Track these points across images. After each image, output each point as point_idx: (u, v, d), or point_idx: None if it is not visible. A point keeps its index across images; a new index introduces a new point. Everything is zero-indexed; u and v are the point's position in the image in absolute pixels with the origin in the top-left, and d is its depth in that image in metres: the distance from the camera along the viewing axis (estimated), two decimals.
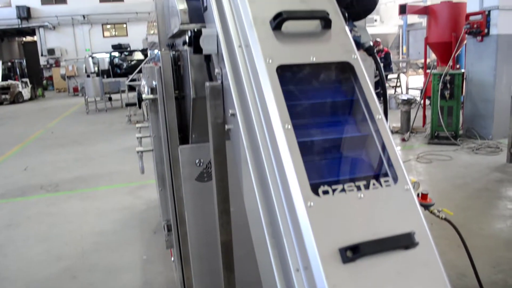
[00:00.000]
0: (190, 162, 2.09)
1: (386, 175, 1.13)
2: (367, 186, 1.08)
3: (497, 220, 4.53)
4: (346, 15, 1.54)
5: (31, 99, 22.50)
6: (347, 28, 1.34)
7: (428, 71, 9.16)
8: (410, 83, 13.77)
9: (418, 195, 2.70)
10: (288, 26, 1.26)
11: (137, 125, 3.65)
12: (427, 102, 9.30)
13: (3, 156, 8.85)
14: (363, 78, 1.25)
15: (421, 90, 9.49)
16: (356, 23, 1.65)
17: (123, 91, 14.78)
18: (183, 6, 1.74)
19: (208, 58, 1.58)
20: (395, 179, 1.12)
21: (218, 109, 1.47)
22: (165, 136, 2.20)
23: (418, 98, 9.21)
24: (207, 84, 1.44)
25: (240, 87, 1.29)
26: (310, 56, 1.23)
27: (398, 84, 15.07)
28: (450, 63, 8.10)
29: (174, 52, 2.21)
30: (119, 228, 4.60)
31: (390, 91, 14.72)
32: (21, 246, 4.34)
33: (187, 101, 2.16)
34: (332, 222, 1.02)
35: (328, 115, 1.25)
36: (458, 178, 5.87)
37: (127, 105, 10.67)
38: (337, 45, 1.28)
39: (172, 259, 2.68)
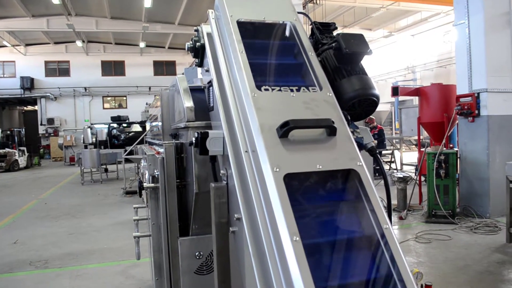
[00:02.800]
0: (189, 255, 2.05)
1: (395, 286, 1.10)
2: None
3: None
4: (349, 117, 1.60)
5: (26, 167, 22.48)
6: (351, 135, 1.38)
7: (422, 149, 9.32)
8: (404, 159, 13.97)
9: (422, 286, 2.64)
10: (294, 133, 1.30)
11: (134, 206, 3.61)
12: (422, 179, 9.35)
13: None
14: (368, 185, 1.27)
15: (416, 167, 9.59)
16: (357, 123, 1.71)
17: (120, 162, 14.82)
18: (189, 104, 1.80)
19: (213, 158, 1.61)
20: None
21: (223, 209, 1.47)
22: (165, 225, 2.18)
23: (413, 175, 9.28)
24: (213, 185, 1.46)
25: (246, 193, 1.30)
26: (317, 165, 1.25)
27: (392, 160, 15.26)
28: (444, 142, 8.26)
29: (177, 142, 2.24)
30: None
31: (385, 166, 14.86)
32: None
33: (188, 190, 2.16)
34: None
35: (335, 222, 1.25)
36: (459, 260, 5.75)
37: (127, 193, 10.68)
38: (342, 153, 1.31)
39: None
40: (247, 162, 1.32)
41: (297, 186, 1.23)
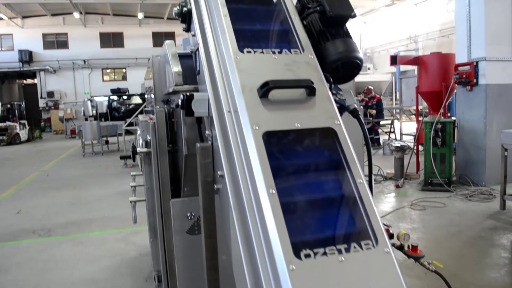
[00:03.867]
0: (181, 215, 2.13)
1: (367, 238, 1.17)
2: (348, 250, 1.13)
3: (491, 269, 4.51)
4: (331, 80, 1.64)
5: (28, 140, 22.60)
6: (330, 95, 1.43)
7: (420, 118, 9.35)
8: (404, 129, 14.00)
9: (408, 247, 2.73)
10: (275, 93, 1.35)
11: (132, 173, 3.69)
12: (420, 148, 9.43)
13: None
14: (345, 143, 1.32)
15: (414, 137, 9.65)
16: (341, 86, 1.75)
17: (120, 135, 14.91)
18: (177, 68, 1.84)
19: (199, 120, 1.66)
20: (376, 242, 1.16)
21: (208, 168, 1.53)
22: (158, 188, 2.25)
23: (412, 145, 9.35)
24: (198, 145, 1.51)
25: (228, 150, 1.36)
26: (295, 123, 1.31)
27: (392, 130, 15.31)
28: (441, 111, 8.29)
29: (168, 108, 2.29)
30: (110, 276, 4.54)
31: (384, 137, 14.92)
32: None
33: (179, 155, 2.22)
34: (314, 286, 1.05)
35: (311, 178, 1.32)
36: (452, 226, 5.88)
37: (122, 158, 10.77)
38: (320, 112, 1.36)
39: None
40: (230, 122, 1.37)
41: (275, 143, 1.29)
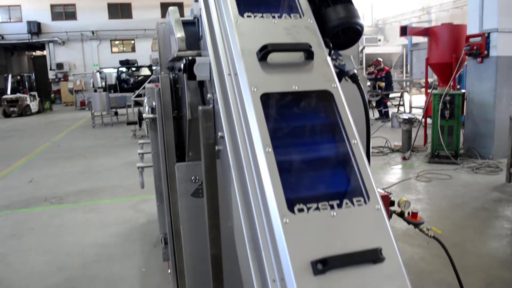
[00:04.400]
0: (186, 179, 2.20)
1: (359, 195, 1.23)
2: (340, 205, 1.18)
3: (493, 239, 4.58)
4: (331, 45, 1.66)
5: (38, 112, 22.84)
6: (329, 59, 1.46)
7: (429, 91, 9.27)
8: (413, 102, 13.90)
9: (408, 213, 2.79)
10: (273, 57, 1.38)
11: (140, 141, 3.77)
12: (429, 121, 9.40)
13: (10, 168, 9.00)
14: (341, 105, 1.36)
15: (423, 110, 9.59)
16: (342, 52, 1.77)
17: (129, 106, 15.01)
18: (180, 34, 1.87)
19: (201, 83, 1.70)
20: (367, 200, 1.22)
21: (210, 131, 1.58)
22: (163, 153, 2.32)
23: (420, 117, 9.32)
24: (200, 108, 1.56)
25: (228, 112, 1.40)
26: (293, 85, 1.34)
27: (401, 103, 15.19)
28: (451, 83, 8.21)
29: (173, 75, 2.33)
30: (120, 241, 4.70)
31: (393, 110, 14.83)
32: (24, 256, 4.44)
33: (184, 121, 2.27)
34: (306, 237, 1.12)
35: (307, 138, 1.36)
36: (457, 197, 5.93)
37: (128, 123, 10.85)
38: (318, 75, 1.39)
39: (169, 271, 2.77)
40: (230, 84, 1.42)
41: (273, 104, 1.33)
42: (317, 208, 1.16)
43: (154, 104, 2.38)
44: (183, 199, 2.23)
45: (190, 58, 1.60)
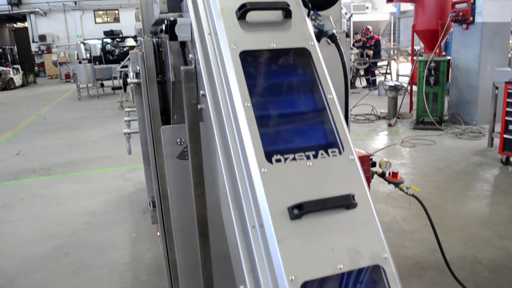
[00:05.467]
0: (171, 142, 2.24)
1: (334, 146, 1.29)
2: (315, 156, 1.24)
3: (472, 200, 4.74)
4: (310, 5, 1.69)
5: (22, 85, 22.45)
6: (306, 18, 1.49)
7: (415, 58, 9.32)
8: (400, 70, 13.96)
9: (389, 173, 2.89)
10: (252, 15, 1.41)
11: (126, 109, 3.79)
12: (414, 88, 9.49)
13: None
14: (318, 62, 1.41)
15: (409, 77, 9.66)
16: (321, 12, 1.81)
17: (115, 78, 14.84)
18: None
19: (183, 45, 1.73)
20: (342, 150, 1.28)
21: (192, 91, 1.62)
22: (148, 117, 2.35)
23: (406, 85, 9.40)
24: (182, 68, 1.60)
25: (209, 71, 1.44)
26: (271, 43, 1.38)
27: (388, 71, 15.24)
28: (436, 50, 8.26)
29: (156, 39, 2.34)
30: (110, 209, 4.77)
31: (380, 78, 14.88)
32: (15, 226, 4.50)
33: (168, 85, 2.30)
34: (283, 186, 1.18)
35: (285, 94, 1.41)
36: (440, 162, 6.08)
37: (113, 88, 10.77)
38: (296, 33, 1.43)
39: (158, 233, 2.85)
40: (210, 43, 1.45)
41: (252, 62, 1.37)
42: (294, 159, 1.22)
43: (138, 68, 2.39)
44: (169, 162, 2.28)
45: (171, 19, 1.62)
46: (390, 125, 8.27)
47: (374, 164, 2.87)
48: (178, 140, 2.24)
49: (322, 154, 1.25)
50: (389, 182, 2.85)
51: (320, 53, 1.43)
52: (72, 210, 4.81)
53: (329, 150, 1.27)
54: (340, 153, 1.27)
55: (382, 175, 2.89)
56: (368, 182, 2.59)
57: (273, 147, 1.26)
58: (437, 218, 3.97)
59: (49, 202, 5.15)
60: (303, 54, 1.42)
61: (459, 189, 5.07)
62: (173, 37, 1.61)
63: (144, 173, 3.52)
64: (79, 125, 10.06)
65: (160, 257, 3.36)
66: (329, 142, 1.31)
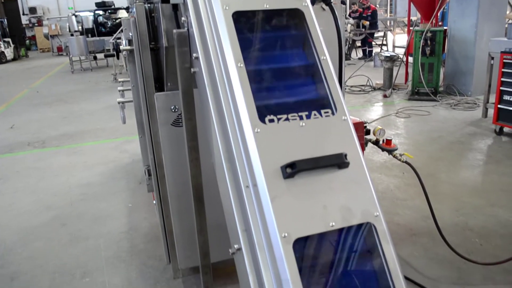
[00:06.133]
0: (165, 108, 2.24)
1: (327, 107, 1.29)
2: (308, 116, 1.25)
3: (465, 169, 4.79)
4: None
5: (14, 59, 22.10)
6: None
7: (411, 28, 9.23)
8: (397, 41, 13.83)
9: (383, 141, 2.90)
10: None
11: (120, 78, 3.76)
12: (410, 59, 9.43)
13: None
14: (311, 23, 1.39)
15: (405, 47, 9.59)
16: None
17: (108, 50, 14.62)
18: None
19: (176, 8, 1.70)
20: (335, 111, 1.28)
21: (185, 54, 1.61)
22: (142, 84, 2.34)
23: (402, 56, 9.33)
24: (175, 31, 1.58)
25: (202, 33, 1.43)
26: (264, 3, 1.36)
27: (385, 42, 15.10)
28: (433, 20, 8.17)
29: (149, 4, 2.30)
30: (106, 180, 4.79)
31: (376, 50, 14.76)
32: (11, 198, 4.51)
33: (161, 51, 2.28)
34: (276, 145, 1.19)
35: (278, 55, 1.40)
36: (434, 132, 6.11)
37: (106, 56, 10.63)
38: None
39: (154, 202, 2.88)
40: (202, 5, 1.43)
41: (245, 22, 1.36)
42: (287, 119, 1.23)
43: (130, 35, 2.36)
44: (163, 129, 2.28)
45: None
46: (385, 96, 8.26)
47: (368, 132, 2.88)
48: (172, 107, 2.24)
49: (315, 114, 1.26)
50: (383, 149, 2.87)
51: (314, 15, 1.42)
52: (68, 182, 4.82)
53: (322, 111, 1.27)
54: (333, 113, 1.28)
55: (376, 142, 2.90)
56: (362, 149, 2.61)
57: (266, 108, 1.26)
58: (430, 186, 4.02)
59: (44, 174, 5.15)
60: (296, 15, 1.41)
61: (452, 159, 5.11)
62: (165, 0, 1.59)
63: (139, 144, 3.53)
64: (73, 98, 9.97)
65: (157, 226, 3.40)
66: (322, 103, 1.31)
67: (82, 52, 14.32)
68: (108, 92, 10.25)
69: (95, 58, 15.57)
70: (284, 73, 1.36)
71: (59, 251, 3.42)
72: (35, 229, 3.80)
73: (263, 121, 1.20)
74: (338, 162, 1.18)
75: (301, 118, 1.23)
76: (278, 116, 1.22)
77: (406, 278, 1.24)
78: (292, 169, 1.14)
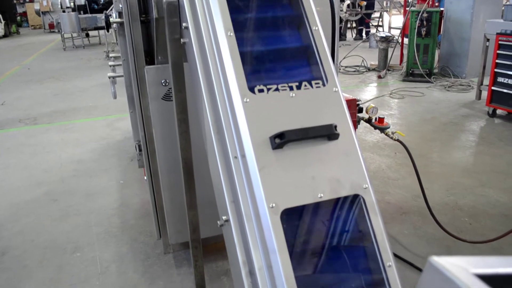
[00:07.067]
0: (156, 82, 2.20)
1: (318, 78, 1.27)
2: (299, 87, 1.23)
3: (457, 150, 4.81)
4: None
5: (5, 36, 21.71)
6: None
7: (407, 8, 9.14)
8: (393, 23, 13.71)
9: (375, 119, 2.89)
10: None
11: (111, 54, 3.70)
12: (405, 41, 9.37)
13: None
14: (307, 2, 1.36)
15: (401, 28, 9.51)
16: None
17: (101, 28, 14.39)
18: None
19: None
20: (326, 82, 1.26)
21: (175, 25, 1.57)
22: (132, 57, 2.30)
23: (397, 37, 9.27)
24: (165, 1, 1.54)
25: (192, 2, 1.39)
26: None
27: (381, 23, 14.98)
28: (429, 0, 8.09)
29: None
30: (97, 157, 4.76)
31: (372, 30, 14.64)
32: (2, 174, 4.48)
33: (152, 24, 2.23)
34: (265, 116, 1.17)
35: (270, 25, 1.37)
36: (427, 113, 6.11)
37: (96, 28, 10.44)
38: None
39: (145, 177, 2.86)
40: None
41: None
42: (277, 89, 1.21)
43: (120, 7, 2.31)
44: (154, 103, 2.25)
45: None
46: (379, 77, 8.23)
47: (360, 110, 2.87)
48: (162, 81, 2.21)
49: (305, 85, 1.24)
50: (375, 128, 2.86)
51: None
52: (60, 159, 4.79)
53: (313, 82, 1.25)
54: (323, 84, 1.26)
55: (369, 120, 2.90)
56: (355, 126, 2.60)
57: (256, 78, 1.24)
58: (422, 166, 4.04)
59: (36, 151, 5.11)
60: None
61: (445, 140, 5.12)
62: None
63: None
64: (65, 75, 9.84)
65: (148, 202, 3.40)
66: (312, 74, 1.29)
67: (74, 29, 14.08)
68: (100, 70, 10.13)
69: (87, 35, 15.33)
70: (274, 44, 1.34)
71: (50, 226, 3.42)
72: (26, 205, 3.79)
73: (252, 91, 1.18)
74: (328, 133, 1.16)
75: (291, 88, 1.22)
76: (268, 86, 1.20)
77: (395, 255, 1.24)
78: (281, 140, 1.12)
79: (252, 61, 1.26)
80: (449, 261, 0.58)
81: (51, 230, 3.36)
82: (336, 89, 1.26)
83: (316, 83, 1.24)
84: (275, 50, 1.33)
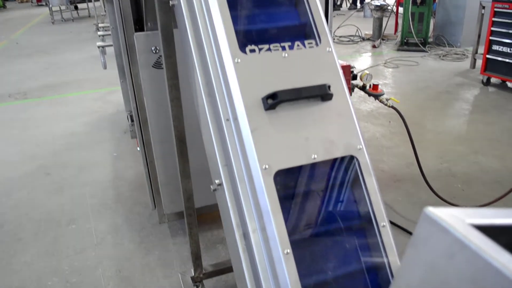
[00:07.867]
0: (146, 49, 2.15)
1: (311, 38, 1.24)
2: (291, 47, 1.20)
3: (451, 118, 4.81)
4: None
5: None
6: None
7: None
8: None
9: (370, 86, 2.87)
10: None
11: (100, 24, 3.61)
12: (401, 10, 9.24)
13: None
14: None
15: None
16: None
17: (90, 0, 14.06)
18: None
19: None
20: (319, 42, 1.23)
21: None
22: (121, 24, 2.24)
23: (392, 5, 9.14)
24: None
25: None
26: None
27: None
28: None
29: None
30: (90, 130, 4.72)
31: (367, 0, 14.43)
32: None
33: None
34: (257, 76, 1.15)
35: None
36: (422, 82, 6.08)
37: (83, 0, 10.17)
38: None
39: (138, 149, 2.84)
40: None
41: None
42: (269, 49, 1.18)
43: None
44: (144, 71, 2.21)
45: None
46: (374, 46, 8.15)
47: (355, 77, 2.83)
48: (152, 48, 2.16)
49: (298, 45, 1.20)
50: (369, 94, 2.84)
51: None
52: (52, 132, 4.74)
53: (306, 42, 1.22)
54: (317, 44, 1.23)
55: (363, 87, 2.87)
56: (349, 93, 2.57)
57: (248, 38, 1.20)
58: (416, 134, 4.01)
59: (27, 125, 5.05)
60: None
61: (439, 108, 5.12)
62: None
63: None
64: (54, 49, 9.65)
65: (142, 174, 3.38)
66: (305, 33, 1.26)
67: (62, 1, 13.74)
68: (90, 43, 9.92)
69: (76, 8, 14.97)
70: (266, 4, 1.30)
71: (44, 199, 3.41)
72: (19, 179, 3.77)
73: (243, 51, 1.15)
74: (321, 93, 1.14)
75: (283, 48, 1.18)
76: (260, 46, 1.17)
77: (390, 222, 1.24)
78: (273, 100, 1.10)
79: (243, 21, 1.22)
80: (444, 211, 0.57)
81: (46, 203, 3.35)
82: (330, 49, 1.23)
83: (309, 43, 1.21)
84: (267, 10, 1.29)
